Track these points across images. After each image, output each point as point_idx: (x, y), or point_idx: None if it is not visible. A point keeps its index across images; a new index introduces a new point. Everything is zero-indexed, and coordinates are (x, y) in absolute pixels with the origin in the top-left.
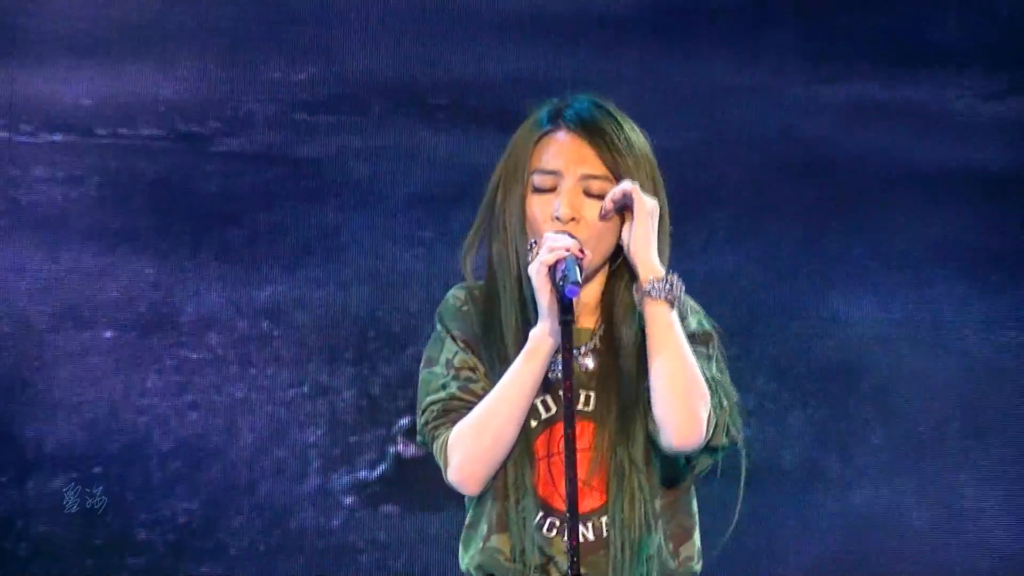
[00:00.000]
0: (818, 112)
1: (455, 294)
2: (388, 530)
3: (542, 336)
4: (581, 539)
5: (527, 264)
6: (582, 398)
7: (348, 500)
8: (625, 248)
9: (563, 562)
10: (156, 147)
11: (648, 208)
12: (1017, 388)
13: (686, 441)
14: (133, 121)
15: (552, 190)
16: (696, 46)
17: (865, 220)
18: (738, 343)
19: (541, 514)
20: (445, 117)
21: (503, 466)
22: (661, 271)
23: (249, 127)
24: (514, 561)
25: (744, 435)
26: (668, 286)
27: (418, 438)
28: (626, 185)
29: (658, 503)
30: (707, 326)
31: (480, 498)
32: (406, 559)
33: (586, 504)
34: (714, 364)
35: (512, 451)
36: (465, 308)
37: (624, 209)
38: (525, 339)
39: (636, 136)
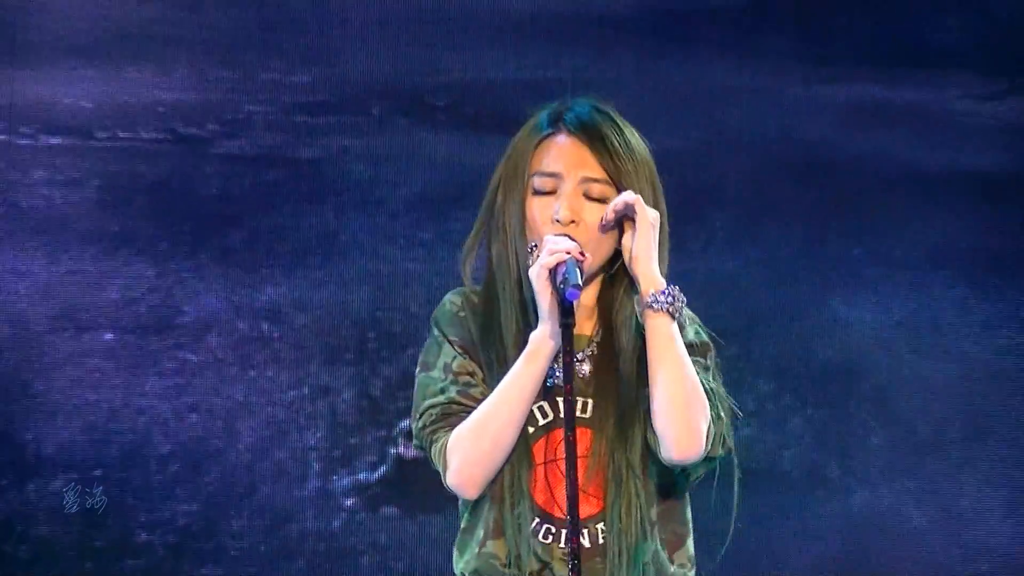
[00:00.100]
0: (818, 113)
1: (451, 299)
2: (389, 532)
3: (542, 339)
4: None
5: (527, 267)
6: (579, 405)
7: (348, 502)
8: (626, 259)
9: (559, 568)
10: (156, 150)
11: (650, 220)
12: (1017, 390)
13: (686, 454)
14: (133, 124)
15: (552, 193)
16: (696, 47)
17: (865, 222)
18: (738, 345)
19: (537, 520)
20: (445, 118)
21: (500, 471)
22: (663, 283)
23: (249, 129)
24: (509, 567)
25: (743, 436)
26: (670, 298)
27: (415, 442)
28: (629, 196)
29: (654, 510)
30: (704, 336)
31: (476, 503)
32: (407, 561)
33: (583, 511)
34: (711, 375)
35: (510, 456)
36: (462, 314)
37: (624, 219)
38: (524, 342)
39: (636, 141)
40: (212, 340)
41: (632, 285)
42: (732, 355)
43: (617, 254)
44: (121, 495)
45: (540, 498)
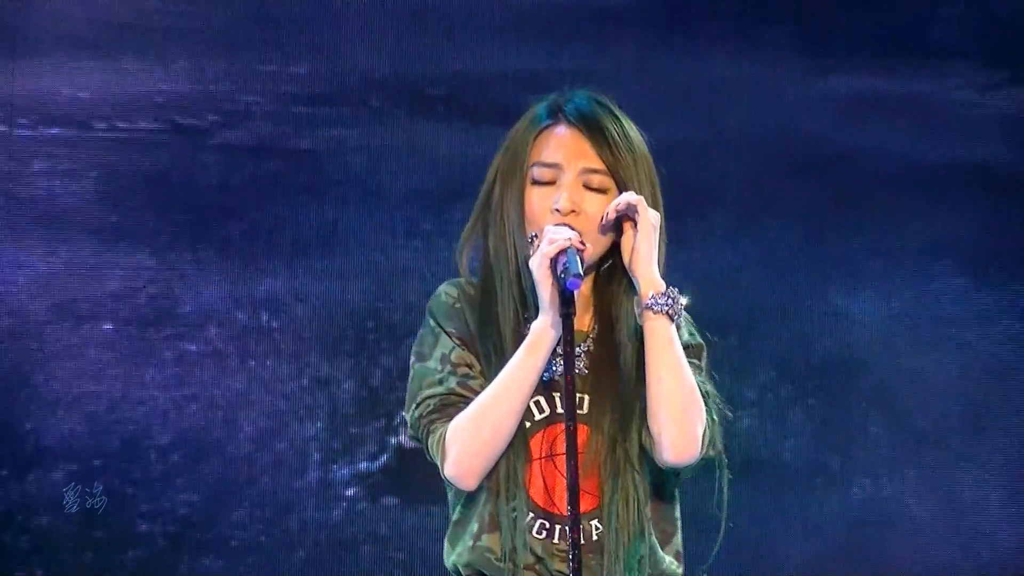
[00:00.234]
0: (818, 105)
1: (447, 291)
2: (389, 522)
3: (544, 329)
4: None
5: (526, 257)
6: (576, 401)
7: (349, 492)
8: (625, 259)
9: (552, 563)
10: (154, 140)
11: (651, 221)
12: (1017, 382)
13: (681, 457)
14: (132, 115)
15: (551, 183)
16: (695, 40)
17: (864, 215)
18: (738, 338)
19: (531, 515)
20: (443, 110)
21: (496, 465)
22: (662, 285)
23: (247, 120)
24: (504, 561)
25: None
26: (670, 301)
27: (410, 431)
28: (631, 196)
29: (649, 507)
30: (698, 337)
31: (471, 497)
32: (407, 551)
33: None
34: (704, 376)
35: (507, 449)
36: (458, 305)
37: (623, 218)
38: (522, 333)
39: (635, 133)
40: (212, 331)
41: (630, 282)
42: (732, 347)
43: (613, 248)
44: (121, 486)
45: (535, 493)
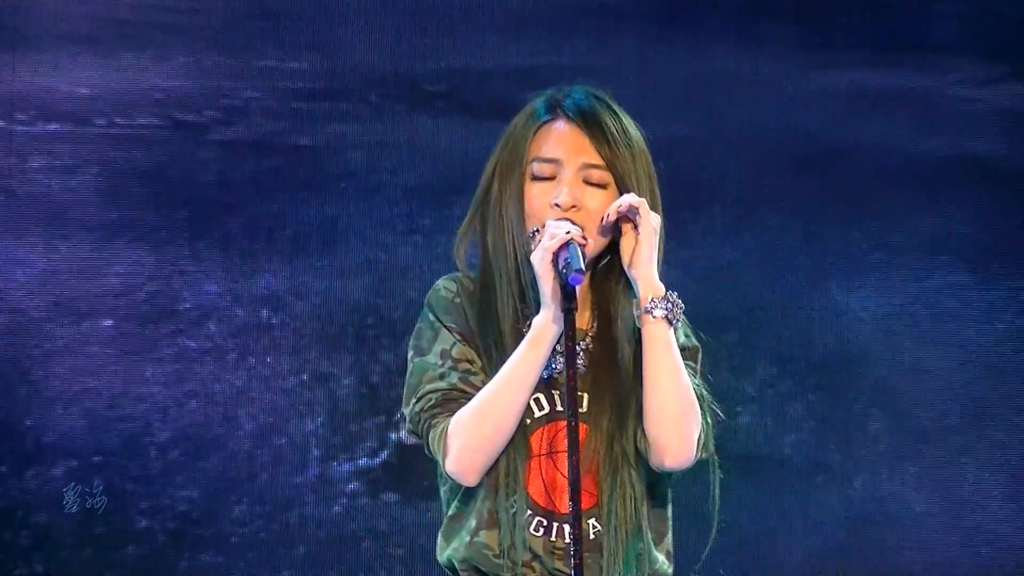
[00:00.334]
0: (818, 101)
1: (445, 285)
2: (389, 518)
3: (545, 324)
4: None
5: (525, 253)
6: None
7: (349, 488)
8: (625, 261)
9: (549, 561)
10: (153, 136)
11: (652, 224)
12: (1017, 377)
13: (677, 461)
14: (130, 110)
15: (551, 179)
16: (696, 34)
17: (864, 210)
18: (738, 334)
19: (530, 513)
20: (443, 106)
21: (496, 462)
22: (662, 289)
23: (246, 116)
24: (502, 557)
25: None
26: (669, 305)
27: (408, 426)
28: (633, 199)
29: (645, 505)
30: (693, 339)
31: (469, 492)
32: (407, 547)
33: None
34: (699, 378)
35: (508, 446)
36: (457, 300)
37: (623, 220)
38: (522, 329)
39: (633, 129)
40: (211, 327)
41: (627, 281)
42: (732, 343)
43: (610, 246)
44: (121, 482)
45: (534, 491)
